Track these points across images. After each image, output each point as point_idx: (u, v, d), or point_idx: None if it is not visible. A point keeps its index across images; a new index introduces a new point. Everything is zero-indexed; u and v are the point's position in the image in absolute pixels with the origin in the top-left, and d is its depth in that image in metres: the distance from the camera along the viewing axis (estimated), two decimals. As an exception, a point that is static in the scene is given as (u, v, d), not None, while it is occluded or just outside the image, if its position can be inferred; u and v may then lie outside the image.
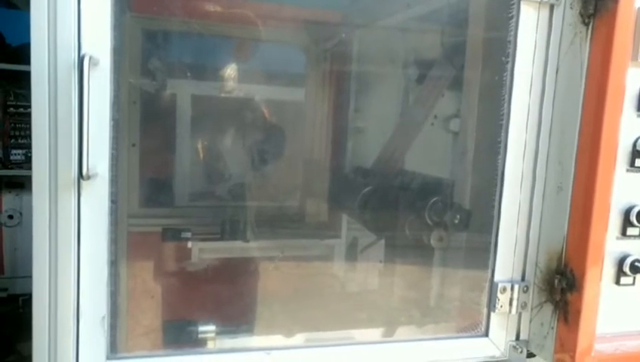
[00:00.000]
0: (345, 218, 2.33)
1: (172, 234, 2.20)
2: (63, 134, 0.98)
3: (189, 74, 2.34)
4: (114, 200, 1.11)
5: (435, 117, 2.11)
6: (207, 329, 1.43)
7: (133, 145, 2.11)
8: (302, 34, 2.33)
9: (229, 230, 2.24)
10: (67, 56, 0.98)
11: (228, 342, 1.45)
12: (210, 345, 1.44)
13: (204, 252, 2.24)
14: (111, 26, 1.03)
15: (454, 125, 2.06)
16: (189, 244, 2.18)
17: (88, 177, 0.97)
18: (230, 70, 2.30)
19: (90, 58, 0.98)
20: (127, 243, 1.74)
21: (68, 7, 0.98)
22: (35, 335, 1.02)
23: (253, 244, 2.20)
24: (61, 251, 1.00)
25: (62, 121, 0.98)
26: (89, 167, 0.97)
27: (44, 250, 0.99)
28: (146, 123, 2.18)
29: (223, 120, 2.40)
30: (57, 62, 0.97)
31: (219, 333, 1.43)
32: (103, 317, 1.06)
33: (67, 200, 0.99)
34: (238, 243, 2.21)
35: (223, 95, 2.32)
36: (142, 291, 1.84)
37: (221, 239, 2.23)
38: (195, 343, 1.46)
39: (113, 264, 1.14)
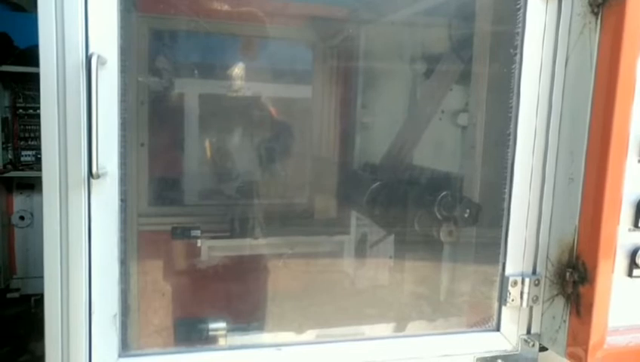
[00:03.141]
0: (354, 214, 2.33)
1: (181, 232, 2.21)
2: (72, 133, 0.98)
3: (196, 73, 2.34)
4: (123, 199, 1.12)
5: (443, 111, 2.10)
6: (218, 326, 1.43)
7: (142, 144, 2.13)
8: (308, 31, 2.33)
9: (239, 228, 2.25)
10: (75, 57, 0.99)
11: (239, 339, 1.46)
12: (221, 342, 1.45)
13: (213, 250, 2.25)
14: (118, 26, 1.03)
15: (462, 119, 2.05)
16: (199, 242, 2.19)
17: (98, 176, 0.97)
18: (237, 68, 2.31)
19: (99, 57, 0.98)
20: (137, 242, 1.75)
21: (75, 8, 0.98)
22: (47, 333, 1.03)
23: (262, 242, 2.21)
24: (72, 250, 1.01)
25: (71, 121, 0.98)
26: (99, 165, 0.97)
27: (56, 249, 1.00)
28: (155, 122, 2.19)
29: (231, 118, 2.40)
30: (66, 63, 0.98)
31: (229, 331, 1.43)
32: (115, 315, 1.07)
33: (77, 199, 1.00)
34: (247, 241, 2.22)
35: (230, 94, 2.33)
36: (152, 289, 1.85)
37: (230, 237, 2.23)
38: (206, 340, 1.47)
39: (123, 262, 1.14)
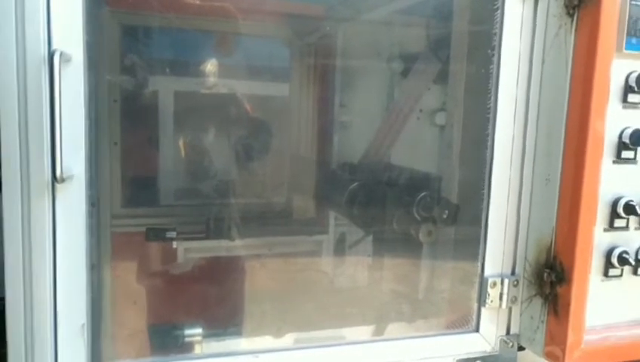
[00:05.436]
0: (332, 214, 2.31)
1: (156, 233, 2.15)
2: (34, 135, 0.93)
3: (170, 70, 2.28)
4: (94, 203, 1.08)
5: (421, 111, 2.10)
6: (194, 332, 1.39)
7: (115, 143, 2.07)
8: (285, 27, 2.29)
9: (215, 228, 2.20)
10: (37, 52, 0.93)
11: (215, 345, 1.42)
12: (197, 349, 1.41)
13: (190, 251, 2.21)
14: (83, 20, 0.98)
15: (440, 119, 2.06)
16: (174, 244, 2.14)
17: (63, 180, 0.92)
18: (212, 65, 2.26)
19: (62, 54, 0.93)
20: (110, 245, 1.71)
21: (36, 1, 0.93)
22: (10, 345, 0.98)
23: (239, 243, 2.17)
24: (35, 258, 0.96)
25: (33, 122, 0.93)
26: (63, 169, 0.92)
27: (17, 258, 0.95)
28: (128, 121, 2.13)
29: (207, 116, 2.35)
30: (26, 60, 0.93)
31: (205, 336, 1.40)
32: (83, 325, 1.02)
33: (41, 205, 0.95)
34: (224, 242, 2.18)
35: (206, 91, 2.28)
36: (125, 294, 1.80)
37: (207, 238, 2.19)
38: (182, 348, 1.43)
39: (95, 267, 1.10)
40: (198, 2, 2.12)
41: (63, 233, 0.98)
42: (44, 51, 0.93)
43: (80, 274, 1.01)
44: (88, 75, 1.01)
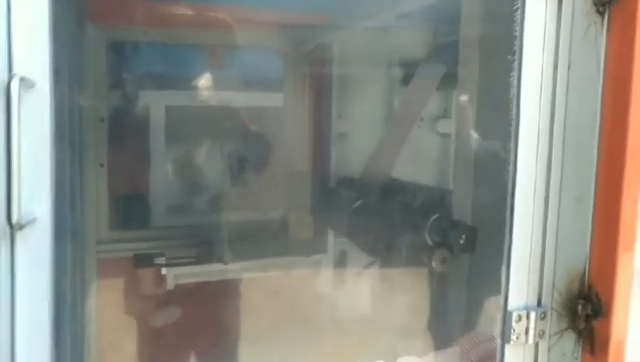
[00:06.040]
0: (331, 232, 2.19)
1: (144, 259, 2.03)
2: (-13, 175, 0.79)
3: (160, 84, 2.17)
4: (77, 230, 0.94)
5: (422, 119, 2.00)
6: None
7: (102, 165, 1.97)
8: (279, 38, 2.18)
9: (207, 251, 2.07)
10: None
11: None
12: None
13: (180, 277, 2.09)
14: (50, 40, 0.85)
15: (443, 127, 1.95)
16: (164, 271, 2.03)
17: (21, 227, 0.78)
18: (205, 78, 2.15)
19: (22, 80, 0.80)
20: (95, 274, 1.58)
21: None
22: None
23: (232, 266, 2.04)
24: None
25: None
26: (22, 213, 0.78)
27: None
28: (115, 140, 2.02)
29: (199, 130, 2.24)
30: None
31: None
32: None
33: (-5, 257, 0.80)
34: (216, 266, 2.05)
35: (198, 104, 2.17)
36: (110, 332, 1.66)
37: (198, 262, 2.06)
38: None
39: (75, 306, 0.96)
40: (188, 13, 2.02)
41: (25, 286, 0.83)
42: (2, 78, 0.79)
43: (43, 333, 0.85)
44: (70, 96, 0.87)
